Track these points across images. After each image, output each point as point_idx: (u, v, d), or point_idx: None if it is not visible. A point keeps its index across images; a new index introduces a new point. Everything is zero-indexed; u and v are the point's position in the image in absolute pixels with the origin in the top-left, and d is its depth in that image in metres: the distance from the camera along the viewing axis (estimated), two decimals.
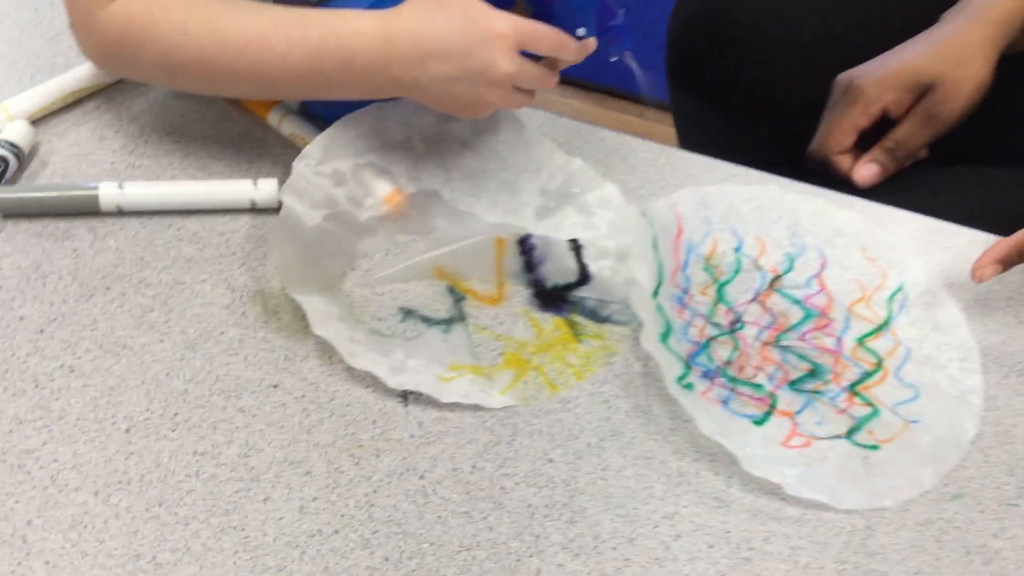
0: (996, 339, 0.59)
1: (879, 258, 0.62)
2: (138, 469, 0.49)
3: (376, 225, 0.59)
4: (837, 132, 0.72)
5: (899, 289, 0.61)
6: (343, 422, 0.52)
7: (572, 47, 0.56)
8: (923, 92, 0.70)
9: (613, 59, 0.59)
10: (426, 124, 0.60)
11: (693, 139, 0.91)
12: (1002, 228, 0.62)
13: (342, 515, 0.49)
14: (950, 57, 0.70)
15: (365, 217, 0.58)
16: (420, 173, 0.60)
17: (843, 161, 0.73)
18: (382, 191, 0.58)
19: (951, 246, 0.64)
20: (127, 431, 0.50)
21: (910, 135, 0.70)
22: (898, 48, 0.72)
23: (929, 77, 0.70)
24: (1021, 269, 0.61)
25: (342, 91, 0.56)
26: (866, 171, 0.71)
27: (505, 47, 0.54)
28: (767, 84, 0.81)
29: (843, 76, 0.73)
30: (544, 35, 0.56)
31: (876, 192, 0.70)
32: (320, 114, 0.62)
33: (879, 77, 0.71)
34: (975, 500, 0.52)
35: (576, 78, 1.52)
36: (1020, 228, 0.58)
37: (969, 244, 0.64)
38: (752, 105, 0.82)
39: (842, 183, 0.71)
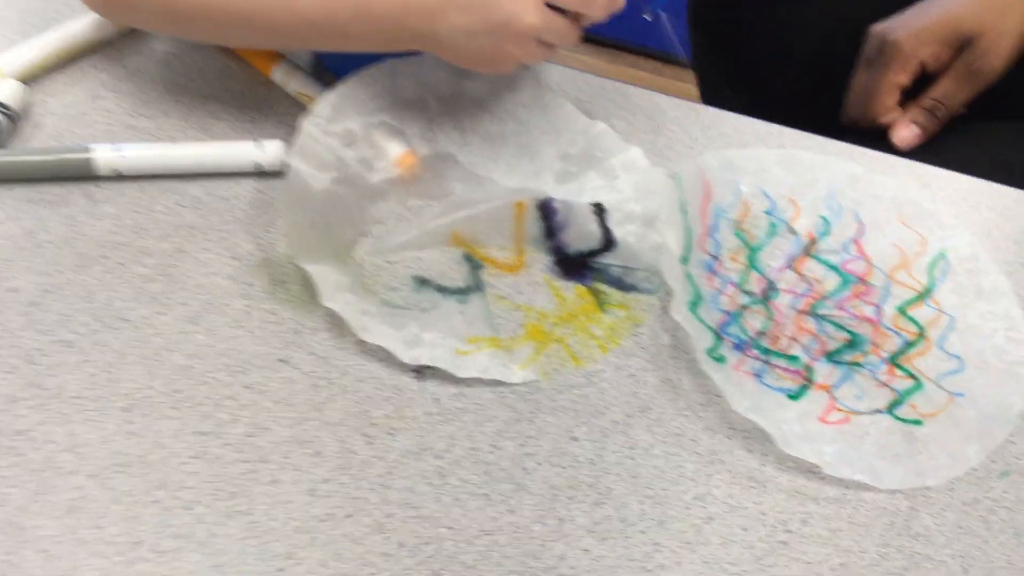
0: None
1: (919, 223, 0.58)
2: (138, 450, 0.46)
3: (388, 189, 0.55)
4: (878, 93, 0.68)
5: (941, 255, 0.57)
6: (355, 399, 0.49)
7: (600, 2, 0.52)
8: (962, 46, 0.66)
9: (647, 17, 0.55)
10: (441, 83, 0.57)
11: (716, 95, 0.87)
12: None
13: (354, 498, 0.46)
14: (990, 8, 0.66)
15: (377, 180, 0.55)
16: (435, 134, 0.57)
17: (888, 121, 0.69)
18: (394, 152, 0.55)
19: (995, 207, 0.61)
20: (126, 410, 0.47)
21: (950, 92, 0.67)
22: None
23: (969, 30, 0.66)
24: None
25: (356, 42, 0.53)
26: (907, 133, 0.67)
27: None
28: (793, 33, 0.77)
29: (877, 29, 0.69)
30: None
31: (915, 151, 0.67)
32: (334, 69, 0.58)
33: (916, 30, 0.67)
34: None
35: (588, 32, 1.47)
36: None
37: (1015, 204, 0.61)
38: (778, 57, 0.78)
39: (880, 141, 0.67)
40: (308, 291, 0.51)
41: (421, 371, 0.50)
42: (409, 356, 0.49)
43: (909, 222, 0.59)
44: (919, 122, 0.68)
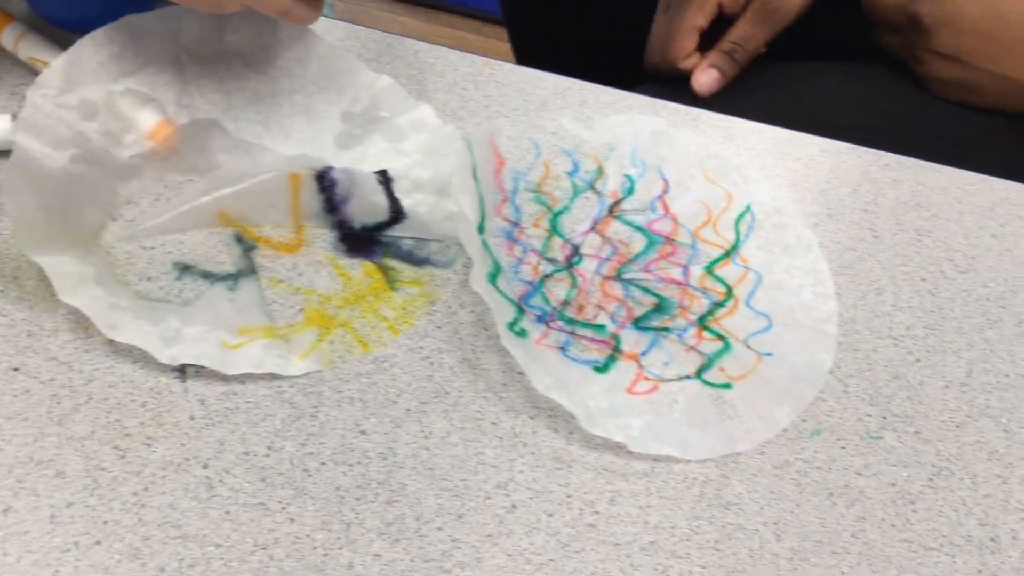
0: (852, 256, 0.54)
1: (724, 177, 0.56)
2: None
3: (141, 164, 0.49)
4: (676, 36, 0.65)
5: (747, 210, 0.55)
6: (104, 408, 0.43)
7: None
8: None
9: None
10: (196, 40, 0.50)
11: (528, 53, 0.83)
12: (846, 122, 0.57)
13: (104, 522, 0.40)
14: None
15: (127, 156, 0.48)
16: (193, 100, 0.50)
17: (688, 65, 0.67)
18: (146, 123, 0.48)
19: (801, 157, 0.59)
20: None
21: (748, 34, 0.65)
22: None
23: None
24: (874, 180, 0.56)
25: None
26: (706, 78, 0.65)
27: None
28: None
29: None
30: None
31: (719, 97, 0.65)
32: (56, 22, 0.51)
33: None
34: (836, 436, 0.48)
35: None
36: (865, 120, 0.54)
37: (820, 154, 0.60)
38: (584, 8, 0.75)
39: (688, 91, 0.65)
40: (46, 287, 0.45)
41: (183, 371, 0.44)
42: (167, 355, 0.43)
43: (714, 177, 0.57)
44: (718, 66, 0.66)
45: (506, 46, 0.87)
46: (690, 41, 0.66)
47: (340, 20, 0.58)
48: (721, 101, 0.63)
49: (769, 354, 0.50)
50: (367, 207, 0.50)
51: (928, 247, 0.55)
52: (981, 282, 0.54)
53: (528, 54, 0.84)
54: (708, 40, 0.68)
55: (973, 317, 0.52)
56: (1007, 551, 0.44)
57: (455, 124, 0.54)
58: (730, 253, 0.54)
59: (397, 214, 0.50)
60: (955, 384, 0.50)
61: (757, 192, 0.56)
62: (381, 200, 0.50)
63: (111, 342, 0.44)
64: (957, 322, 0.52)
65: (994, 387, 0.50)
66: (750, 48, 0.66)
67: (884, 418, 0.48)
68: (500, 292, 0.49)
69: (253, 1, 0.46)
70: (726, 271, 0.53)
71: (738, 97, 0.64)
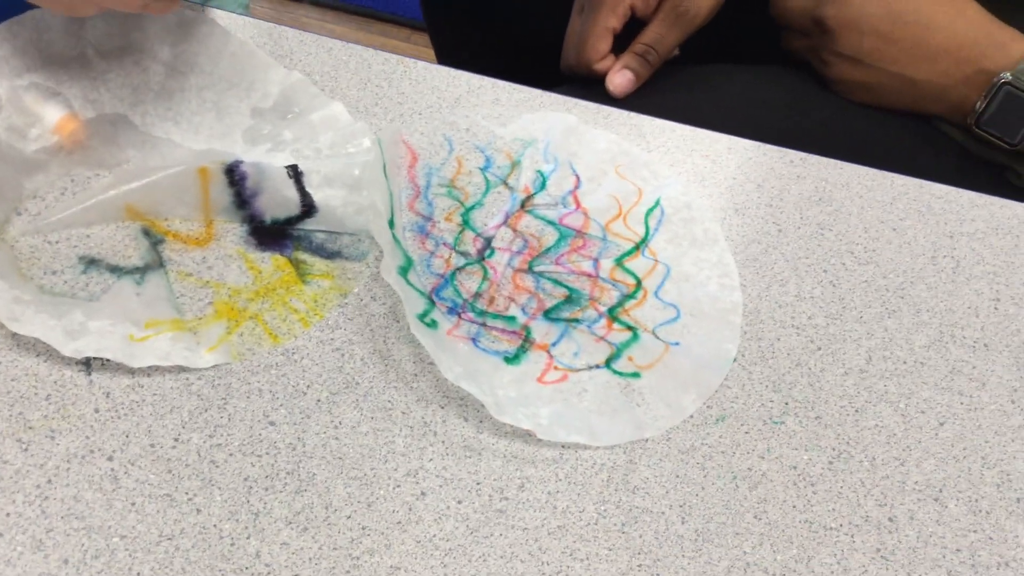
0: (757, 248, 0.56)
1: (634, 173, 0.58)
2: None
3: (47, 159, 0.48)
4: (590, 39, 0.67)
5: (656, 204, 0.57)
6: (6, 401, 0.42)
7: None
8: None
9: None
10: (103, 34, 0.50)
11: (449, 56, 0.84)
12: (754, 121, 0.59)
13: (7, 514, 0.40)
14: None
15: (32, 150, 0.48)
16: (100, 95, 0.50)
17: (602, 67, 0.68)
18: (51, 118, 0.48)
19: (708, 154, 0.61)
20: None
21: (660, 36, 0.67)
22: None
23: None
24: (779, 175, 0.58)
25: None
26: (620, 79, 0.67)
27: None
28: None
29: None
30: None
31: (631, 97, 0.66)
32: None
33: None
34: (739, 421, 0.49)
35: (337, 0, 1.41)
36: (772, 120, 0.56)
37: (727, 151, 0.61)
38: (502, 13, 0.76)
39: (603, 92, 0.67)
40: None
41: (88, 363, 0.44)
42: (71, 348, 0.43)
43: (625, 173, 0.58)
44: (631, 67, 0.67)
45: (432, 52, 0.88)
46: (604, 43, 0.67)
47: (256, 19, 0.58)
48: (633, 101, 0.64)
49: (676, 344, 0.51)
50: (278, 201, 0.50)
51: (830, 240, 0.57)
52: (881, 274, 0.56)
53: (449, 57, 0.85)
54: (622, 42, 0.69)
55: (872, 307, 0.54)
56: (904, 531, 0.45)
57: (369, 121, 0.55)
58: (640, 246, 0.55)
59: (308, 208, 0.51)
60: (855, 371, 0.51)
61: (666, 187, 0.57)
62: (292, 194, 0.50)
63: (14, 335, 0.43)
64: (857, 312, 0.54)
65: (892, 374, 0.52)
66: (662, 50, 0.67)
67: (786, 404, 0.50)
68: (411, 284, 0.50)
69: (110, 3, 0.46)
70: (636, 263, 0.54)
71: (650, 97, 0.66)
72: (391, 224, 0.51)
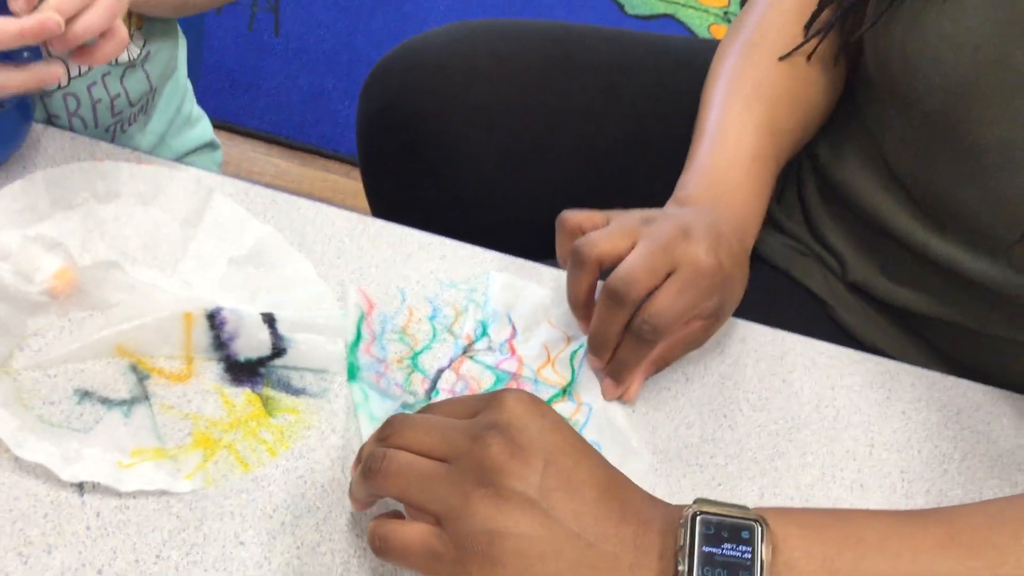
0: (667, 395, 0.64)
1: (563, 323, 0.66)
2: None
3: (48, 301, 0.55)
4: (572, 291, 0.64)
5: (580, 347, 0.65)
6: (9, 518, 0.48)
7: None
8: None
9: None
10: (103, 191, 0.58)
11: (384, 208, 0.92)
12: None
13: None
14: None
15: (36, 292, 0.54)
16: (95, 243, 0.57)
17: (586, 313, 0.65)
18: (51, 267, 0.55)
19: None
20: None
21: (630, 353, 0.62)
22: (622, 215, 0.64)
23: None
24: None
25: None
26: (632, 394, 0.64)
27: None
28: (457, 179, 0.84)
29: (568, 221, 0.64)
30: None
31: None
32: None
33: (598, 253, 0.61)
34: None
35: (281, 137, 1.50)
36: None
37: None
38: (444, 191, 0.84)
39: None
40: None
41: (81, 486, 0.49)
42: (68, 473, 0.49)
43: (556, 324, 0.66)
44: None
45: None
46: (585, 297, 0.63)
47: (231, 177, 0.66)
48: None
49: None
50: (253, 343, 0.57)
51: (729, 389, 0.66)
52: (772, 419, 0.65)
53: (384, 209, 0.91)
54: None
55: (765, 449, 0.63)
56: None
57: (333, 271, 0.63)
58: (566, 390, 0.63)
59: (279, 350, 0.57)
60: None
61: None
62: (265, 337, 0.57)
63: (17, 459, 0.49)
64: (752, 452, 0.62)
65: None
66: (632, 365, 0.62)
67: None
68: (371, 417, 0.57)
69: None
70: (562, 406, 0.62)
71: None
72: (352, 367, 0.58)
